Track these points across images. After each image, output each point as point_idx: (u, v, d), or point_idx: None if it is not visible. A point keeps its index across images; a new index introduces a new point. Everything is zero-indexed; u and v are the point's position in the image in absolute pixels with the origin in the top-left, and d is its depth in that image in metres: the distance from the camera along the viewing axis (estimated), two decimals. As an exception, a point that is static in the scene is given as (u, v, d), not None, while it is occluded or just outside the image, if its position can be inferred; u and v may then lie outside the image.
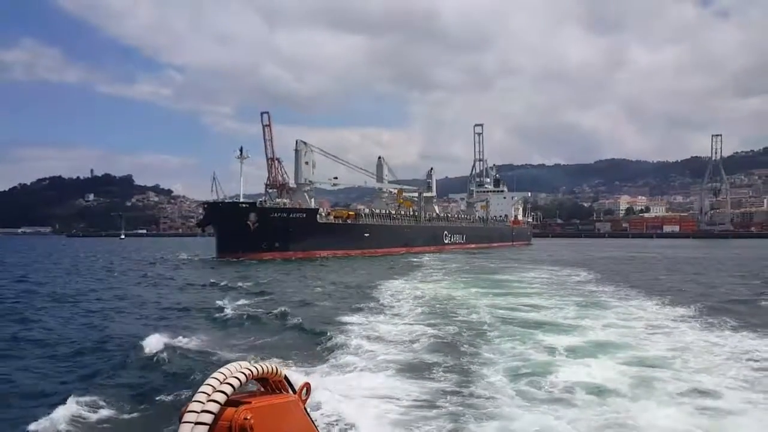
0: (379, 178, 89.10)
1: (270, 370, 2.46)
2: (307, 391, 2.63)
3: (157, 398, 10.42)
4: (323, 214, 69.18)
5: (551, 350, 13.68)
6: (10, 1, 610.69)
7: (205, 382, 2.26)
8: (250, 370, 2.36)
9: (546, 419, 8.96)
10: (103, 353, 14.50)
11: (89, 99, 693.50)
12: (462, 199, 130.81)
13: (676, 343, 14.52)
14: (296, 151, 71.72)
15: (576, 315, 19.34)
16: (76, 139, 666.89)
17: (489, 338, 15.28)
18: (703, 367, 12.03)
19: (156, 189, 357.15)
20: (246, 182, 67.67)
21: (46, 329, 18.08)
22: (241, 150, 66.44)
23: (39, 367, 13.19)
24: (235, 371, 2.32)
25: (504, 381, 11.09)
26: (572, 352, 13.51)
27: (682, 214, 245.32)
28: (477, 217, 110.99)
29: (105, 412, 9.58)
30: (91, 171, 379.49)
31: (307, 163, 72.12)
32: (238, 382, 2.29)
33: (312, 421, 2.63)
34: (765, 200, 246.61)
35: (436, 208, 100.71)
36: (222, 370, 2.32)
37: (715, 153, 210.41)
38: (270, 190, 70.69)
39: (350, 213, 75.65)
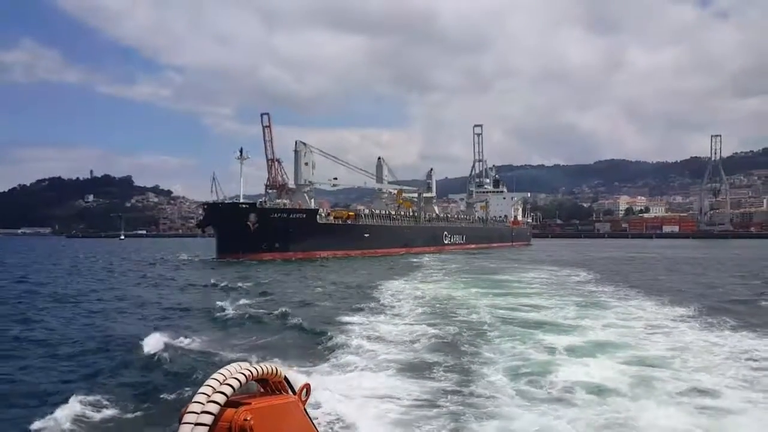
0: (379, 179, 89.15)
1: (270, 371, 2.46)
2: (307, 392, 2.63)
3: (159, 398, 10.47)
4: (323, 214, 69.21)
5: (551, 350, 13.72)
6: (9, 1, 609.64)
7: (204, 383, 2.26)
8: (249, 371, 2.36)
9: (546, 418, 9.00)
10: (105, 353, 14.55)
11: (89, 100, 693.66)
12: (461, 199, 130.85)
13: (676, 343, 14.56)
14: (296, 151, 71.77)
15: (576, 315, 19.38)
16: (75, 139, 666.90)
17: (489, 338, 15.33)
18: (703, 367, 12.08)
19: (155, 190, 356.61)
20: (246, 183, 67.79)
21: (48, 329, 18.14)
22: (241, 151, 66.49)
23: (42, 367, 13.24)
24: (235, 372, 2.32)
25: (504, 380, 11.13)
26: (572, 351, 13.56)
27: (681, 215, 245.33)
28: (476, 218, 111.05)
29: (107, 412, 9.62)
30: (91, 172, 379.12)
31: (306, 163, 72.16)
32: (238, 383, 2.29)
33: (312, 421, 2.63)
34: (764, 200, 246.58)
35: (435, 208, 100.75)
36: (222, 371, 2.32)
37: (715, 153, 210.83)
38: (270, 191, 70.73)
39: (350, 213, 75.63)
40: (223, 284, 31.76)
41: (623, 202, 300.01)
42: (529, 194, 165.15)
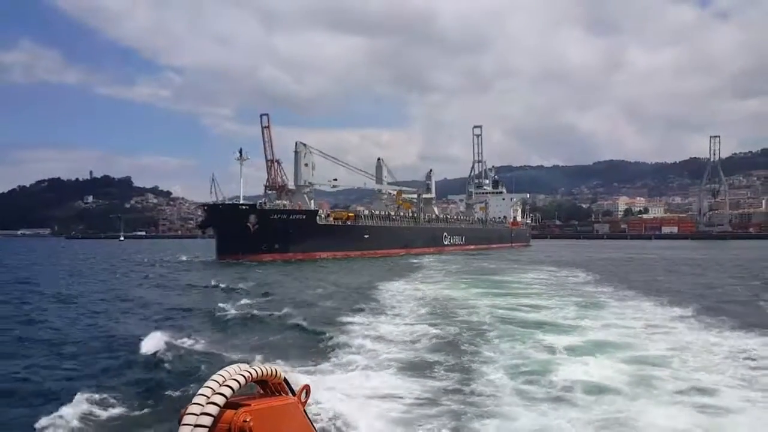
0: (379, 180, 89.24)
1: (269, 372, 2.46)
2: (306, 393, 2.62)
3: (161, 398, 10.54)
4: (323, 215, 69.26)
5: (551, 350, 13.81)
6: (8, 2, 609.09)
7: (204, 385, 2.25)
8: (249, 372, 2.36)
9: (546, 417, 9.08)
10: (108, 353, 14.65)
11: (88, 101, 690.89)
12: (461, 200, 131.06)
13: (675, 343, 14.63)
14: (296, 152, 71.77)
15: (575, 315, 19.47)
16: (75, 140, 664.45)
17: (489, 338, 15.40)
18: (702, 366, 12.16)
19: (155, 191, 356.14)
20: (245, 184, 67.72)
21: (52, 329, 18.27)
22: (240, 152, 66.53)
23: (46, 366, 13.34)
24: (235, 373, 2.32)
25: (504, 380, 11.21)
26: (572, 351, 13.64)
27: (680, 215, 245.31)
28: (476, 219, 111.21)
29: (110, 411, 9.70)
30: (90, 173, 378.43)
31: (306, 164, 72.18)
32: (238, 385, 2.29)
33: (311, 423, 2.63)
34: (763, 201, 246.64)
35: (435, 209, 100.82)
36: (221, 372, 2.32)
37: (714, 154, 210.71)
38: (269, 192, 70.75)
39: (350, 214, 75.65)
40: (223, 285, 31.81)
41: (622, 202, 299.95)
42: (528, 195, 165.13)
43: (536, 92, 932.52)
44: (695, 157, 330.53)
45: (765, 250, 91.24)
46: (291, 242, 61.42)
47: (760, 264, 53.96)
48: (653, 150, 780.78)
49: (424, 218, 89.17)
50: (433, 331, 16.49)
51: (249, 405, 2.29)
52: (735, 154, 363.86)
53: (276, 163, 70.98)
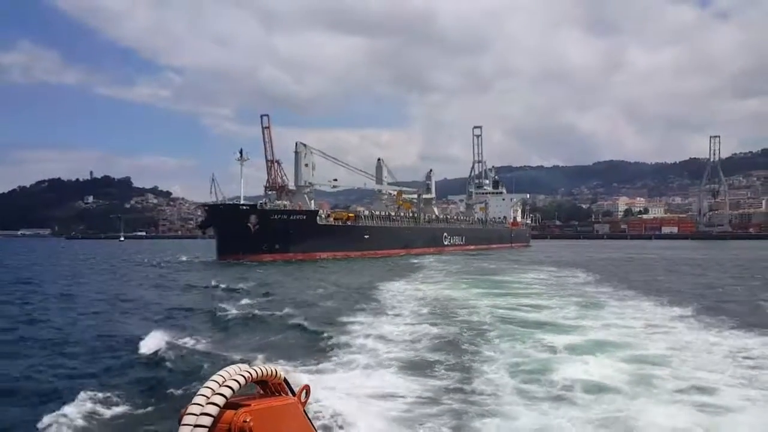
0: (379, 180, 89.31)
1: (269, 372, 2.45)
2: (306, 393, 2.62)
3: (162, 397, 10.58)
4: (323, 215, 69.32)
5: (551, 349, 13.85)
6: (8, 2, 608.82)
7: (204, 385, 2.25)
8: (249, 372, 2.36)
9: (547, 416, 9.11)
10: (109, 353, 14.70)
11: (88, 101, 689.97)
12: (461, 200, 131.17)
13: (675, 342, 14.67)
14: (296, 153, 71.81)
15: (575, 315, 19.51)
16: (75, 141, 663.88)
17: (490, 338, 15.44)
18: (702, 365, 12.20)
19: (155, 191, 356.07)
20: (245, 184, 67.84)
21: (53, 329, 18.31)
22: (241, 152, 66.60)
23: (48, 366, 13.38)
24: (234, 374, 2.31)
25: (505, 379, 11.25)
26: (572, 350, 13.67)
27: (680, 216, 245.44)
28: (476, 219, 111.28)
29: (111, 411, 9.74)
30: (90, 173, 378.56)
31: (306, 165, 72.23)
32: (238, 385, 2.29)
33: (311, 423, 2.62)
34: (763, 201, 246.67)
35: (435, 209, 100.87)
36: (221, 372, 2.32)
37: (714, 154, 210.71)
38: (269, 192, 70.82)
39: (350, 215, 75.70)
40: (224, 285, 31.83)
41: (622, 203, 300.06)
42: (528, 195, 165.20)
43: (536, 92, 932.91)
44: (695, 158, 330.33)
45: (765, 250, 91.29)
46: (291, 242, 61.48)
47: (760, 264, 54.03)
48: (653, 150, 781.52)
49: (424, 218, 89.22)
50: (434, 330, 16.54)
51: (249, 405, 2.29)
52: (735, 154, 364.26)
53: (276, 164, 71.10)
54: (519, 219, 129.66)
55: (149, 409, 10.03)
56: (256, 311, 20.75)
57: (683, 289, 29.43)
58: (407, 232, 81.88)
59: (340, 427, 8.68)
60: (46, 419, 8.98)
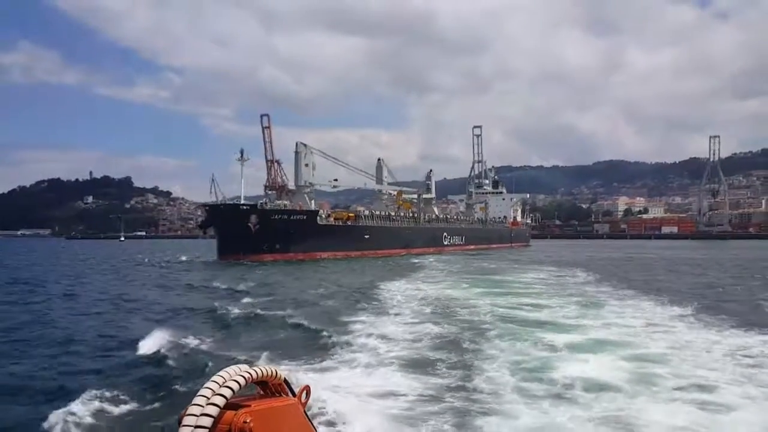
0: (379, 180, 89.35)
1: (269, 373, 2.45)
2: (306, 394, 2.61)
3: (164, 397, 10.63)
4: (323, 215, 69.36)
5: (552, 348, 13.91)
6: (8, 2, 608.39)
7: (204, 386, 2.25)
8: (249, 373, 2.35)
9: (547, 415, 9.17)
10: (110, 352, 14.75)
11: (88, 101, 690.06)
12: (461, 200, 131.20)
13: (675, 341, 14.73)
14: (296, 153, 71.84)
15: (576, 314, 19.57)
16: (74, 141, 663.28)
17: (490, 336, 15.49)
18: (702, 364, 12.26)
19: (155, 191, 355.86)
20: (245, 184, 67.91)
21: (54, 329, 18.35)
22: (242, 152, 66.59)
23: (49, 365, 13.41)
24: (235, 374, 2.31)
25: (506, 377, 11.31)
26: (572, 349, 13.74)
27: (680, 215, 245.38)
28: (476, 219, 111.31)
29: (112, 411, 9.79)
30: (90, 173, 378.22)
31: (307, 165, 72.26)
32: (238, 386, 2.28)
33: (312, 423, 2.62)
34: (763, 201, 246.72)
35: (435, 209, 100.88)
36: (221, 373, 2.32)
37: (714, 154, 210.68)
38: (269, 192, 70.85)
39: (350, 215, 75.71)
40: (225, 285, 31.91)
41: (622, 203, 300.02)
42: (528, 195, 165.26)
43: (536, 93, 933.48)
44: (695, 157, 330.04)
45: (765, 250, 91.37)
46: (292, 242, 61.53)
47: (759, 264, 54.08)
48: (653, 150, 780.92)
49: (424, 218, 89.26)
50: (435, 329, 16.60)
51: (249, 406, 2.29)
52: (735, 154, 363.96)
53: (276, 164, 71.10)
54: (519, 219, 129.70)
55: (152, 407, 10.10)
56: (258, 311, 20.79)
57: (683, 289, 29.49)
58: (407, 232, 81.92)
59: (342, 426, 8.73)
60: (51, 418, 9.04)
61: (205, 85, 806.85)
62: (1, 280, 37.90)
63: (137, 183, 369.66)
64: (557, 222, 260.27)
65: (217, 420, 2.17)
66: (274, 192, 70.45)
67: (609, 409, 9.36)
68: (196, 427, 2.12)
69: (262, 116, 71.97)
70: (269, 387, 2.53)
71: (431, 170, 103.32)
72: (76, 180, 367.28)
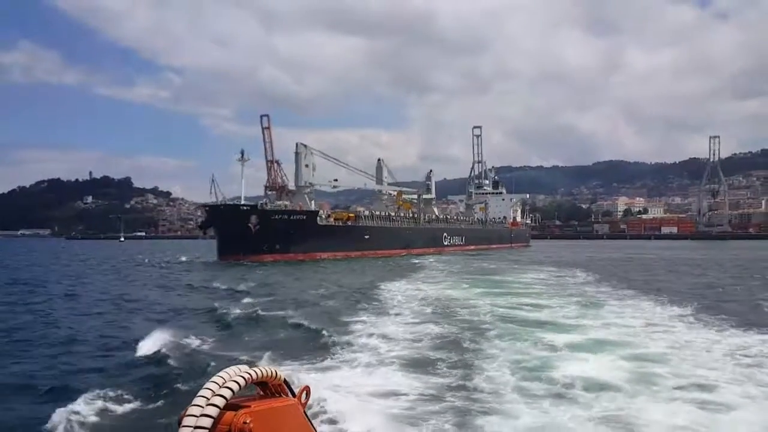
0: (379, 180, 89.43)
1: (269, 373, 2.45)
2: (306, 394, 2.61)
3: (164, 397, 10.63)
4: (323, 216, 69.40)
5: (552, 348, 13.94)
6: (8, 2, 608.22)
7: (204, 386, 2.25)
8: (249, 374, 2.35)
9: (548, 414, 9.20)
10: (111, 352, 14.78)
11: (88, 101, 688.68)
12: (461, 200, 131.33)
13: (675, 341, 14.77)
14: (296, 153, 71.90)
15: (576, 314, 19.61)
16: (74, 141, 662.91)
17: (490, 336, 15.52)
18: (701, 363, 12.30)
19: (155, 191, 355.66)
20: (246, 184, 67.99)
21: (55, 329, 18.39)
22: (242, 153, 66.70)
23: (50, 365, 13.46)
24: (234, 375, 2.31)
25: (506, 377, 11.34)
26: (572, 349, 13.77)
27: (680, 216, 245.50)
28: (476, 219, 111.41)
29: (113, 411, 9.81)
30: (90, 173, 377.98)
31: (307, 165, 72.31)
32: (237, 386, 2.28)
33: (312, 424, 2.63)
34: (763, 201, 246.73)
35: (435, 209, 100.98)
36: (221, 373, 2.31)
37: (713, 154, 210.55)
38: (269, 192, 70.90)
39: (350, 215, 75.77)
40: (225, 285, 31.93)
41: (622, 203, 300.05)
42: (527, 195, 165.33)
43: (535, 93, 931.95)
44: (695, 158, 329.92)
45: (765, 250, 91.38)
46: (292, 243, 61.57)
47: (759, 264, 54.11)
48: (653, 150, 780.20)
49: (424, 219, 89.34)
50: (435, 329, 16.63)
51: (249, 406, 2.29)
52: (735, 154, 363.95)
53: (276, 164, 71.18)
54: (519, 219, 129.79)
55: (153, 407, 10.12)
56: (258, 311, 20.82)
57: (683, 289, 29.53)
58: (407, 232, 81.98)
59: (343, 425, 8.76)
60: (55, 416, 9.08)
61: (205, 85, 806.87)
62: (1, 280, 37.90)
63: (137, 183, 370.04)
64: (557, 222, 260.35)
65: (217, 420, 2.17)
66: (274, 192, 70.52)
67: (609, 408, 9.39)
68: (196, 427, 2.12)
69: (262, 116, 72.16)
70: (269, 387, 2.53)
71: (431, 170, 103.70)
72: (76, 180, 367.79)
